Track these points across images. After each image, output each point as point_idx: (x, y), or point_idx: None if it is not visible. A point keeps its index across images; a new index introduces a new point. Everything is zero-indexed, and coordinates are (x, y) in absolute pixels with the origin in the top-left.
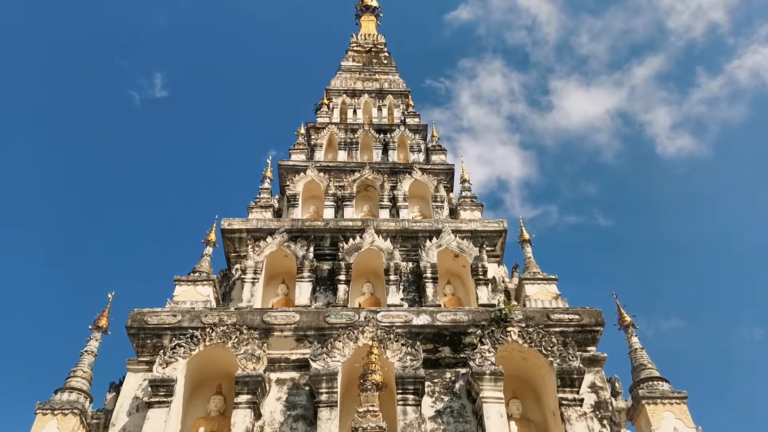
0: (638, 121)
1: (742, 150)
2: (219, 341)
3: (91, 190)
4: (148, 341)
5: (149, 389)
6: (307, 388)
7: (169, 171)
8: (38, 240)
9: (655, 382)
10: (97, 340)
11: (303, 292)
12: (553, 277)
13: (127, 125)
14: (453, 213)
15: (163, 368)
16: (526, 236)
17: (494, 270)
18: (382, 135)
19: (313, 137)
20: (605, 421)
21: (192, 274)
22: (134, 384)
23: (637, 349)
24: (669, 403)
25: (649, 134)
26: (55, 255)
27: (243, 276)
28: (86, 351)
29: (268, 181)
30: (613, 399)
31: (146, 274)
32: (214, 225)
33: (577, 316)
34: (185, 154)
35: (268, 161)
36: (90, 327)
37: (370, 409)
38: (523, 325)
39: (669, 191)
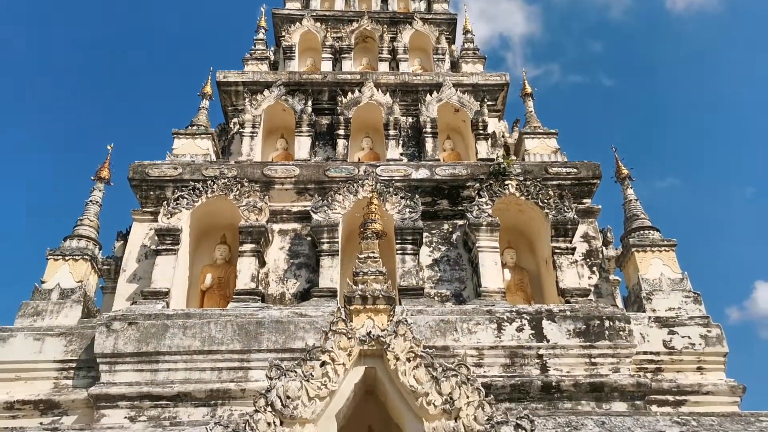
0: None
1: (753, 5)
2: (221, 193)
3: (88, 43)
4: (151, 193)
5: (156, 238)
6: (308, 238)
7: (163, 22)
8: (36, 95)
9: (646, 231)
10: (100, 190)
11: (302, 146)
12: (553, 131)
13: None
14: (454, 66)
15: (168, 218)
16: (528, 90)
17: (494, 125)
18: None
19: None
20: (595, 268)
21: (190, 127)
22: (141, 233)
23: (631, 200)
24: (658, 250)
25: None
26: (53, 111)
27: (241, 130)
28: (91, 201)
29: (263, 31)
30: (604, 248)
31: (144, 128)
32: (209, 77)
33: (574, 170)
34: (179, 3)
35: (262, 10)
36: (92, 178)
37: (371, 255)
38: (521, 178)
39: (675, 51)
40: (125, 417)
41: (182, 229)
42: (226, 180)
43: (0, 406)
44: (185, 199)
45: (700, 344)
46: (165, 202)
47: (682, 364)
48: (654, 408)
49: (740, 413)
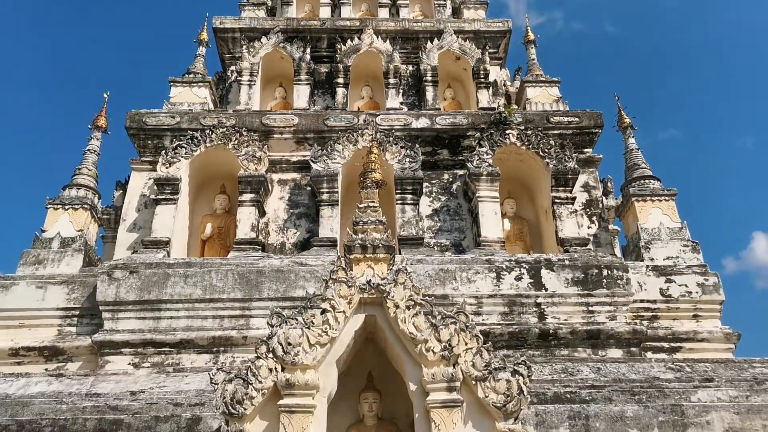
0: None
1: None
2: (219, 143)
3: None
4: (149, 142)
5: (155, 187)
6: (308, 188)
7: None
8: (31, 42)
9: (647, 181)
10: (97, 139)
11: (301, 95)
12: (556, 79)
13: None
14: (456, 13)
15: (167, 168)
16: (531, 36)
17: (496, 73)
18: None
19: None
20: (594, 218)
21: (187, 75)
22: (140, 182)
23: (632, 149)
24: (658, 199)
25: None
26: (49, 58)
27: (239, 78)
28: (89, 150)
29: None
30: (603, 198)
31: (141, 77)
32: (206, 24)
33: (576, 119)
34: None
35: None
36: (89, 127)
37: (371, 204)
38: (522, 128)
39: None
40: (129, 363)
41: (181, 179)
42: (225, 129)
43: (5, 353)
44: (184, 149)
45: (696, 292)
46: (163, 151)
47: (679, 312)
48: (649, 355)
49: (734, 360)
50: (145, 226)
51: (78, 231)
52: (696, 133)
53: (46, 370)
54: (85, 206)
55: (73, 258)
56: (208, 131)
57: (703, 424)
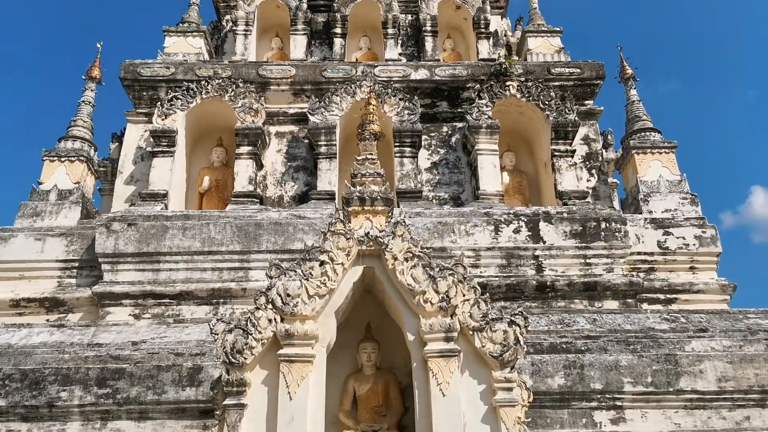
0: None
1: None
2: (216, 94)
3: None
4: (144, 93)
5: (151, 140)
6: (306, 141)
7: None
8: None
9: (647, 133)
10: (92, 90)
11: (298, 46)
12: (557, 29)
13: None
14: None
15: (162, 120)
16: None
17: (497, 23)
18: None
19: None
20: (593, 171)
21: (181, 24)
22: (136, 135)
23: (634, 101)
24: (658, 152)
25: None
26: (39, 7)
27: (234, 28)
28: (83, 101)
29: None
30: (603, 150)
31: (135, 26)
32: None
33: (578, 70)
34: None
35: None
36: (83, 77)
37: (369, 157)
38: (523, 79)
39: None
40: (130, 314)
41: (177, 131)
42: (221, 80)
43: (6, 304)
44: (179, 100)
45: (694, 245)
46: (159, 103)
47: (675, 264)
48: (645, 306)
49: (729, 311)
50: (142, 179)
51: (75, 183)
52: (698, 87)
53: (47, 320)
54: (82, 158)
55: (70, 210)
56: (204, 82)
57: (696, 372)
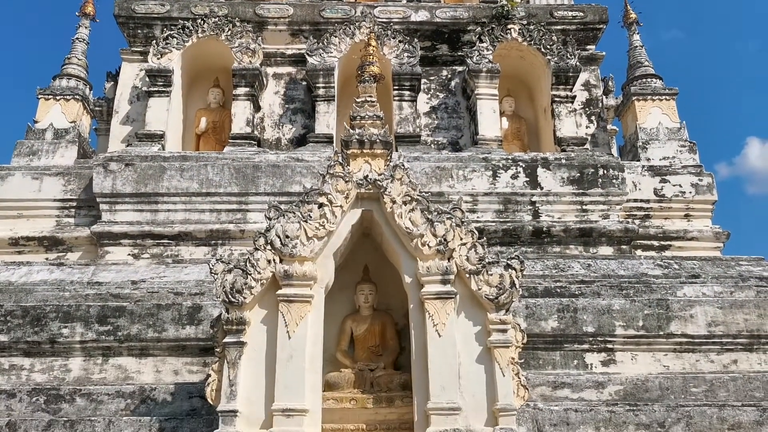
0: None
1: None
2: (212, 33)
3: None
4: (139, 31)
5: (147, 79)
6: (304, 83)
7: None
8: None
9: (648, 80)
10: (86, 27)
11: None
12: None
13: None
14: None
15: (158, 59)
16: None
17: None
18: None
19: None
20: (593, 117)
21: None
22: (131, 74)
23: (636, 47)
24: (659, 99)
25: None
26: None
27: None
28: (77, 39)
29: None
30: (604, 97)
31: None
32: None
33: (581, 13)
34: None
35: None
36: (77, 14)
37: (368, 99)
38: (525, 22)
39: None
40: (129, 254)
41: (173, 71)
42: (217, 19)
43: (5, 242)
44: (175, 39)
45: (690, 192)
46: (154, 41)
47: (671, 212)
48: (639, 252)
49: (721, 258)
50: (138, 119)
51: (71, 122)
52: (700, 36)
53: (46, 259)
54: (77, 97)
55: (67, 149)
56: (200, 21)
57: (687, 317)
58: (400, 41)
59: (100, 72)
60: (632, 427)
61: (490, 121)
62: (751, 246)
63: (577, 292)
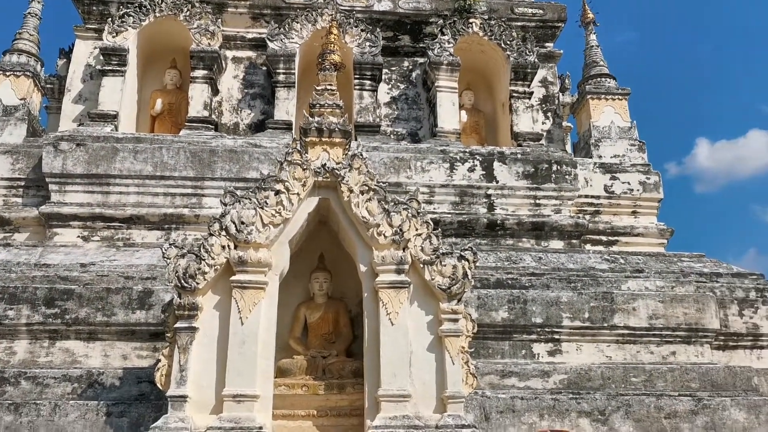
0: None
1: None
2: (170, 13)
3: None
4: (94, 8)
5: (101, 57)
6: (264, 68)
7: None
8: None
9: (603, 79)
10: (39, 2)
11: None
12: None
13: None
14: None
15: (114, 37)
16: None
17: None
18: None
19: None
20: (549, 114)
21: None
22: (85, 51)
23: (593, 46)
24: (612, 98)
25: None
26: None
27: None
28: (29, 13)
29: None
30: (560, 94)
31: None
32: None
33: (540, 11)
34: None
35: None
36: None
37: (328, 87)
38: (486, 17)
39: None
40: (78, 236)
41: (129, 50)
42: None
43: None
44: (131, 17)
45: (638, 190)
46: (109, 19)
47: (619, 208)
48: (588, 247)
49: (665, 254)
50: (91, 98)
51: (20, 99)
52: (653, 38)
53: None
54: (28, 73)
55: (16, 127)
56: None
57: (630, 310)
58: (362, 30)
59: (53, 48)
60: (574, 414)
61: (450, 113)
62: (696, 243)
63: (527, 284)
